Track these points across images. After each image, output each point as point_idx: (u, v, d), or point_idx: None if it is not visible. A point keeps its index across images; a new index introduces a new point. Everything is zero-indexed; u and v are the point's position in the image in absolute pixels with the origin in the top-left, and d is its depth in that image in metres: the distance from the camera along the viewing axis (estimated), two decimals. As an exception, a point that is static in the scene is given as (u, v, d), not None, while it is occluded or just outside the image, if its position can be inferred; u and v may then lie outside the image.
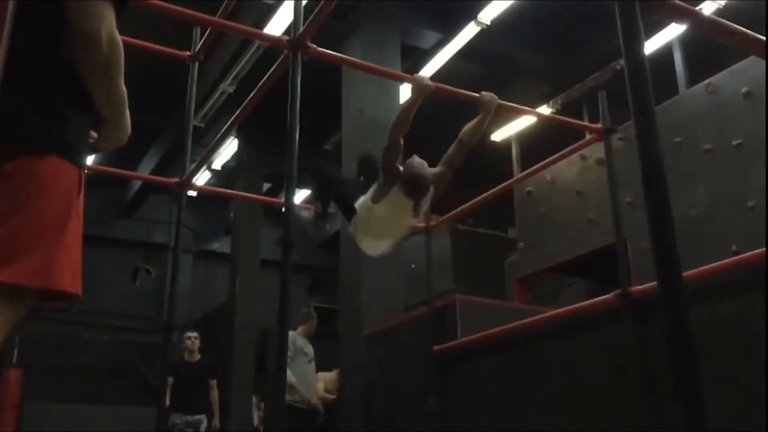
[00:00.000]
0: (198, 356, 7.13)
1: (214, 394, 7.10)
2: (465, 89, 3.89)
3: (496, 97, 3.72)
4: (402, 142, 3.35)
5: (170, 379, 6.25)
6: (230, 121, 3.96)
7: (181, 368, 6.87)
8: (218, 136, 4.35)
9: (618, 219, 4.02)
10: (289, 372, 5.78)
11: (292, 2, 3.35)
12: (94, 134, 1.54)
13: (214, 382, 7.12)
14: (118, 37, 1.43)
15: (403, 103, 3.45)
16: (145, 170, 11.93)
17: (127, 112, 1.58)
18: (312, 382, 6.34)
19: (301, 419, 5.93)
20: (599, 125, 4.28)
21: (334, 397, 7.27)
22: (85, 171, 1.47)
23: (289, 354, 5.85)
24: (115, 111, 1.53)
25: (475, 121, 3.64)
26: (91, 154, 1.65)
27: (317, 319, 6.64)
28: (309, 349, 6.38)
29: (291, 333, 6.05)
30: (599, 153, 5.27)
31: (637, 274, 4.26)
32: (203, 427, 6.85)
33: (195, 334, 7.18)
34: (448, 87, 3.88)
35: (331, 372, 7.62)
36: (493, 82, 9.19)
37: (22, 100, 1.33)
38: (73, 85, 1.41)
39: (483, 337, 4.73)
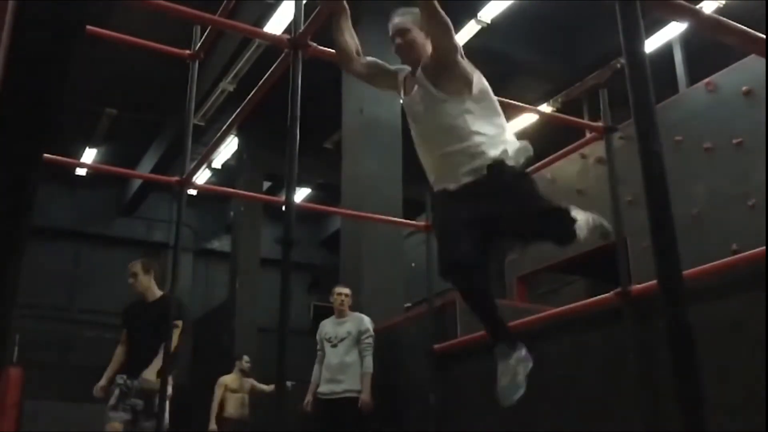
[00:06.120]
0: (158, 293, 5.07)
1: (176, 337, 4.54)
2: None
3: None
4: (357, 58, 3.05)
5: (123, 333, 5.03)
6: (230, 120, 3.95)
7: (135, 312, 5.06)
8: (218, 134, 4.34)
9: (618, 217, 4.01)
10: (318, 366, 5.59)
11: (293, 1, 3.34)
12: None
13: (178, 323, 4.60)
14: None
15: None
16: (145, 169, 11.94)
17: None
18: (340, 367, 5.39)
19: (327, 412, 5.45)
20: (600, 123, 4.27)
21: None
22: None
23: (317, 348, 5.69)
24: None
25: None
26: None
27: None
28: (334, 332, 5.63)
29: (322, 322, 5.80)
30: (600, 151, 5.27)
31: (637, 272, 4.26)
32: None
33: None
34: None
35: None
36: (494, 81, 9.19)
37: None
38: None
39: (483, 336, 4.71)
